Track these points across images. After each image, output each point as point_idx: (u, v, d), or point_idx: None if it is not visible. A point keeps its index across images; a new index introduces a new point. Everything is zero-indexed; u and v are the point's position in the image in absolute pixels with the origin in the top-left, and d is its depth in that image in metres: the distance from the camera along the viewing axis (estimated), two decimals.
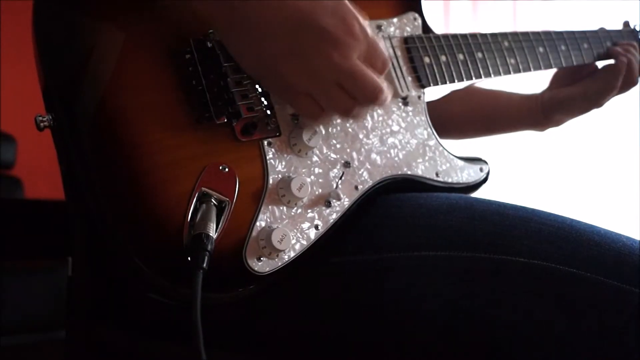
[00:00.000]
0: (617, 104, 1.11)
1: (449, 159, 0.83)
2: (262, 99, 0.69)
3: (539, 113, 1.10)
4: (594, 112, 1.10)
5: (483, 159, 0.88)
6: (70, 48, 0.63)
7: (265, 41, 0.62)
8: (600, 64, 1.11)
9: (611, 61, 1.09)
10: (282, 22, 0.61)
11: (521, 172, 2.90)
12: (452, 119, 1.13)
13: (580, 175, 3.00)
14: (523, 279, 0.64)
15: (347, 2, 0.64)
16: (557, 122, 1.11)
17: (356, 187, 0.73)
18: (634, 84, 1.09)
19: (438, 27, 0.89)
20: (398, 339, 0.68)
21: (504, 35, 0.96)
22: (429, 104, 0.84)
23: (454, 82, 0.87)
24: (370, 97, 0.65)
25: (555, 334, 0.62)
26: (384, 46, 0.67)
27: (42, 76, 0.64)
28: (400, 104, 0.81)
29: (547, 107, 1.09)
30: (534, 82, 1.19)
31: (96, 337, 0.78)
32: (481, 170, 0.86)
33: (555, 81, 1.14)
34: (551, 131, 1.13)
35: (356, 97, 0.65)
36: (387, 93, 0.66)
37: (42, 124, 0.62)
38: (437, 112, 0.86)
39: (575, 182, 2.98)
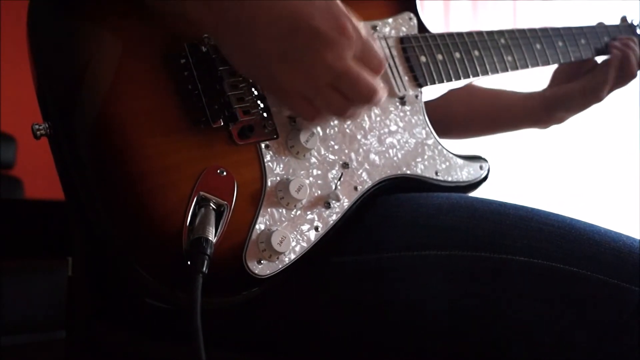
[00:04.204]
0: (617, 103, 1.10)
1: (448, 158, 0.83)
2: (259, 101, 0.69)
3: (541, 111, 1.10)
4: (594, 111, 1.10)
5: (483, 157, 0.87)
6: (64, 57, 0.63)
7: (257, 42, 0.62)
8: (600, 59, 1.11)
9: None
10: (274, 23, 0.61)
11: (521, 171, 2.90)
12: (455, 120, 1.13)
13: (580, 175, 3.00)
14: (523, 278, 0.64)
15: (339, 2, 0.63)
16: (559, 120, 1.11)
17: (355, 188, 0.72)
18: (633, 76, 1.09)
19: (438, 28, 0.89)
20: (398, 338, 0.68)
21: (501, 32, 0.96)
22: (429, 105, 0.84)
23: (451, 80, 0.86)
24: (365, 98, 0.65)
25: (555, 332, 0.62)
26: (379, 46, 0.66)
27: (38, 85, 0.63)
28: (397, 104, 0.80)
29: (548, 104, 1.09)
30: (536, 79, 1.19)
31: (96, 337, 0.78)
32: (481, 168, 0.86)
33: (555, 78, 1.14)
34: (552, 130, 1.14)
35: (351, 98, 0.65)
36: (382, 93, 0.66)
37: (38, 132, 0.62)
38: (438, 113, 0.86)
39: (575, 182, 2.98)
